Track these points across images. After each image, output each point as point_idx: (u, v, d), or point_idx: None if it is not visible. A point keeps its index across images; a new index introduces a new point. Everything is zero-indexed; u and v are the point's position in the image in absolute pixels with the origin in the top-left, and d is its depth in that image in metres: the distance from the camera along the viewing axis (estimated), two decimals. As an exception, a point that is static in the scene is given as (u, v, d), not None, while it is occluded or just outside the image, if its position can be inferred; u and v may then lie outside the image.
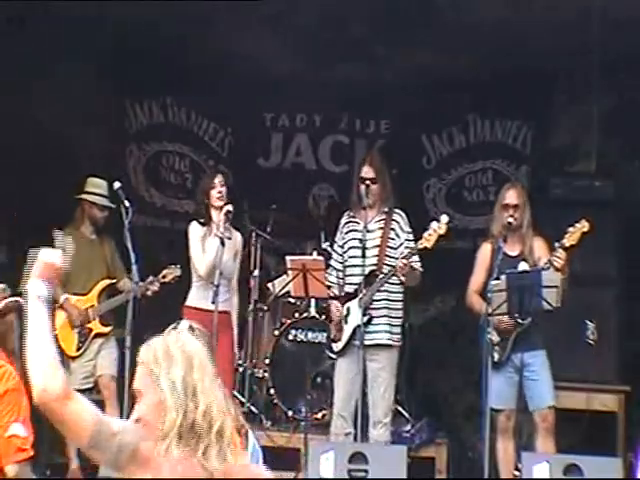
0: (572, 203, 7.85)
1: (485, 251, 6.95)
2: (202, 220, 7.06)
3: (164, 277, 7.31)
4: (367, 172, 7.02)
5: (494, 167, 9.17)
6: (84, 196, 7.56)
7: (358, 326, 6.79)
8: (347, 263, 7.06)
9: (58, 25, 8.29)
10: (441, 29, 8.34)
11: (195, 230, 7.08)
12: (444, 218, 6.72)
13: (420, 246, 6.70)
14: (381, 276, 6.82)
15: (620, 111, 8.50)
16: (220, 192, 7.00)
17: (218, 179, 7.08)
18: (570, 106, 8.86)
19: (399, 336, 6.99)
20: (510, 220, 6.74)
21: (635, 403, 7.60)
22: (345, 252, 7.08)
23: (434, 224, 6.68)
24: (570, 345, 7.45)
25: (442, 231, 6.65)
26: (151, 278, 7.25)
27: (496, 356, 6.67)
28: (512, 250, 6.82)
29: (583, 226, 6.47)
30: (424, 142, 9.25)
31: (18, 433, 4.23)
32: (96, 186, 7.53)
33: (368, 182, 6.96)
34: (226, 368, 6.89)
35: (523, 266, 6.75)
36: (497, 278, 6.56)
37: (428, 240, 6.65)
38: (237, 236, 7.26)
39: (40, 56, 8.31)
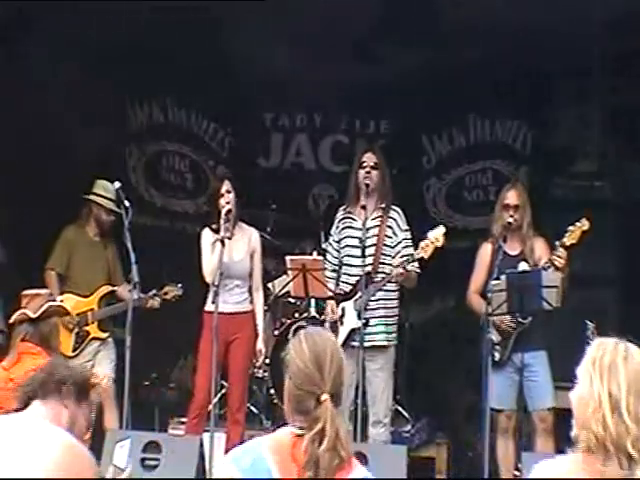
0: (572, 203, 7.87)
1: (485, 251, 6.95)
2: (214, 226, 7.01)
3: (165, 294, 7.33)
4: (370, 158, 7.02)
5: (494, 167, 9.17)
6: (93, 197, 7.57)
7: (353, 329, 6.82)
8: (344, 261, 7.06)
9: (59, 25, 8.30)
10: (441, 29, 8.34)
11: (206, 236, 7.04)
12: (441, 229, 6.70)
13: (417, 256, 6.69)
14: (377, 280, 6.83)
15: (620, 111, 8.50)
16: (228, 200, 6.98)
17: (225, 187, 7.03)
18: (570, 106, 8.85)
19: (395, 335, 7.00)
20: (510, 220, 6.75)
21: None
22: (342, 248, 7.09)
23: (431, 235, 6.66)
24: (570, 345, 7.43)
25: (439, 243, 6.64)
26: (152, 292, 7.26)
27: (497, 356, 6.67)
28: (512, 250, 6.82)
29: (583, 225, 6.48)
30: (424, 142, 9.25)
31: None
32: (105, 189, 7.52)
33: (369, 168, 6.96)
34: (238, 369, 6.88)
35: (523, 266, 6.75)
36: (497, 278, 6.56)
37: (425, 251, 6.65)
38: (252, 234, 7.19)
39: (40, 56, 8.32)
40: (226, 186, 7.03)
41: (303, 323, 7.89)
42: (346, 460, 2.96)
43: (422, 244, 6.67)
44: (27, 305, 5.59)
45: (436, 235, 6.65)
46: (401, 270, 6.69)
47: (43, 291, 5.85)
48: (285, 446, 2.99)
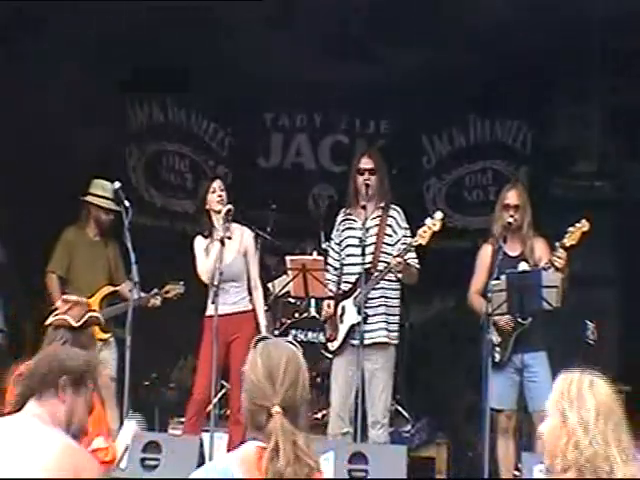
0: (572, 203, 7.88)
1: (486, 252, 6.95)
2: (205, 233, 7.03)
3: (167, 292, 7.34)
4: (366, 163, 7.02)
5: (494, 167, 9.18)
6: (90, 198, 7.58)
7: (353, 325, 6.82)
8: (344, 261, 7.07)
9: (59, 25, 8.30)
10: (441, 29, 8.34)
11: (199, 244, 7.04)
12: (438, 214, 6.71)
13: (415, 243, 6.69)
14: (376, 274, 6.83)
15: (620, 111, 8.50)
16: (220, 196, 6.99)
17: (217, 184, 7.06)
18: (570, 106, 8.86)
19: (396, 334, 6.99)
20: (510, 220, 6.74)
21: (635, 403, 7.59)
22: (342, 250, 7.09)
23: (428, 221, 6.66)
24: (570, 345, 7.45)
25: (436, 228, 6.64)
26: (154, 291, 7.27)
27: (497, 357, 6.67)
28: (513, 250, 6.82)
29: (583, 226, 6.48)
30: (424, 142, 9.25)
31: (100, 446, 4.23)
32: (102, 188, 7.53)
33: (367, 173, 6.96)
34: (239, 368, 6.89)
35: (523, 266, 6.75)
36: (497, 278, 6.57)
37: (423, 237, 6.64)
38: (244, 232, 7.18)
39: (40, 56, 8.32)
40: (217, 184, 7.04)
41: (298, 334, 7.92)
42: (316, 468, 2.89)
43: (420, 231, 6.67)
44: (67, 312, 5.52)
45: (433, 220, 6.65)
46: (399, 259, 6.68)
47: (83, 299, 5.79)
48: (252, 459, 2.88)
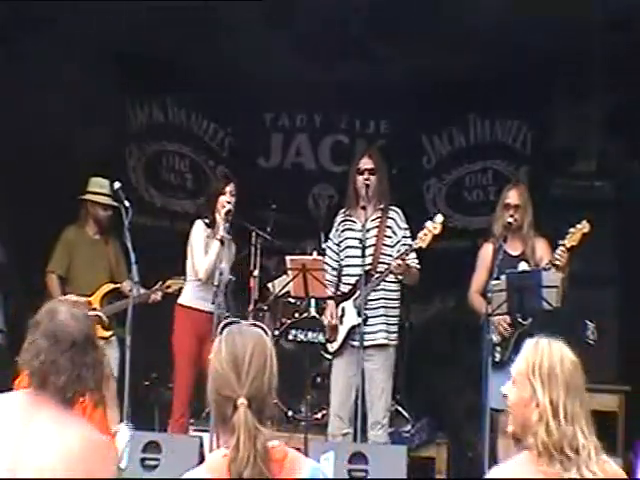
0: (572, 203, 7.87)
1: (487, 251, 6.95)
2: (207, 221, 7.09)
3: (168, 287, 7.36)
4: (366, 163, 7.02)
5: (494, 167, 9.17)
6: (87, 196, 7.63)
7: (353, 327, 6.81)
8: (343, 262, 7.07)
9: (58, 25, 8.30)
10: (441, 29, 8.34)
11: (199, 229, 7.10)
12: (439, 218, 6.70)
13: (415, 246, 6.69)
14: (376, 276, 6.83)
15: (620, 111, 8.50)
16: (229, 202, 7.05)
17: (230, 187, 7.11)
18: (570, 106, 8.85)
19: (396, 335, 7.00)
20: (510, 220, 6.75)
21: (635, 403, 7.60)
22: (341, 251, 7.09)
23: (429, 224, 6.66)
24: (570, 345, 7.43)
25: (437, 231, 6.64)
26: (156, 287, 7.30)
27: (498, 356, 6.68)
28: (514, 250, 6.83)
29: (584, 227, 6.48)
30: (424, 142, 9.25)
31: None
32: (98, 185, 7.58)
33: (367, 173, 6.96)
34: None
35: (523, 266, 6.76)
36: (497, 278, 6.57)
37: (423, 240, 6.64)
38: (232, 244, 7.31)
39: (40, 56, 8.32)
40: (230, 188, 7.10)
41: (298, 334, 7.93)
42: (274, 471, 2.76)
43: (420, 234, 6.67)
44: None
45: (434, 224, 6.65)
46: (399, 261, 6.69)
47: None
48: (220, 467, 2.78)
